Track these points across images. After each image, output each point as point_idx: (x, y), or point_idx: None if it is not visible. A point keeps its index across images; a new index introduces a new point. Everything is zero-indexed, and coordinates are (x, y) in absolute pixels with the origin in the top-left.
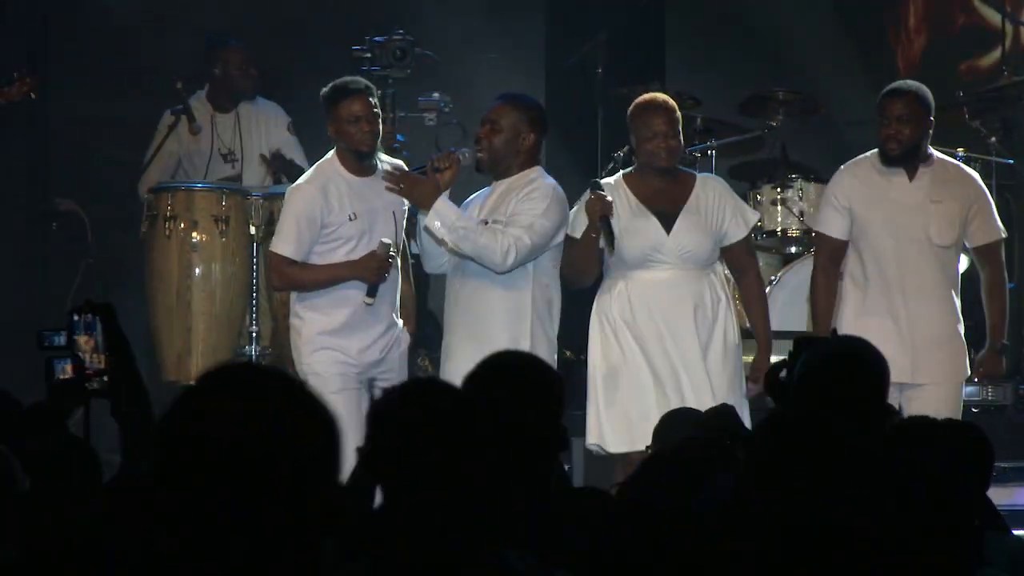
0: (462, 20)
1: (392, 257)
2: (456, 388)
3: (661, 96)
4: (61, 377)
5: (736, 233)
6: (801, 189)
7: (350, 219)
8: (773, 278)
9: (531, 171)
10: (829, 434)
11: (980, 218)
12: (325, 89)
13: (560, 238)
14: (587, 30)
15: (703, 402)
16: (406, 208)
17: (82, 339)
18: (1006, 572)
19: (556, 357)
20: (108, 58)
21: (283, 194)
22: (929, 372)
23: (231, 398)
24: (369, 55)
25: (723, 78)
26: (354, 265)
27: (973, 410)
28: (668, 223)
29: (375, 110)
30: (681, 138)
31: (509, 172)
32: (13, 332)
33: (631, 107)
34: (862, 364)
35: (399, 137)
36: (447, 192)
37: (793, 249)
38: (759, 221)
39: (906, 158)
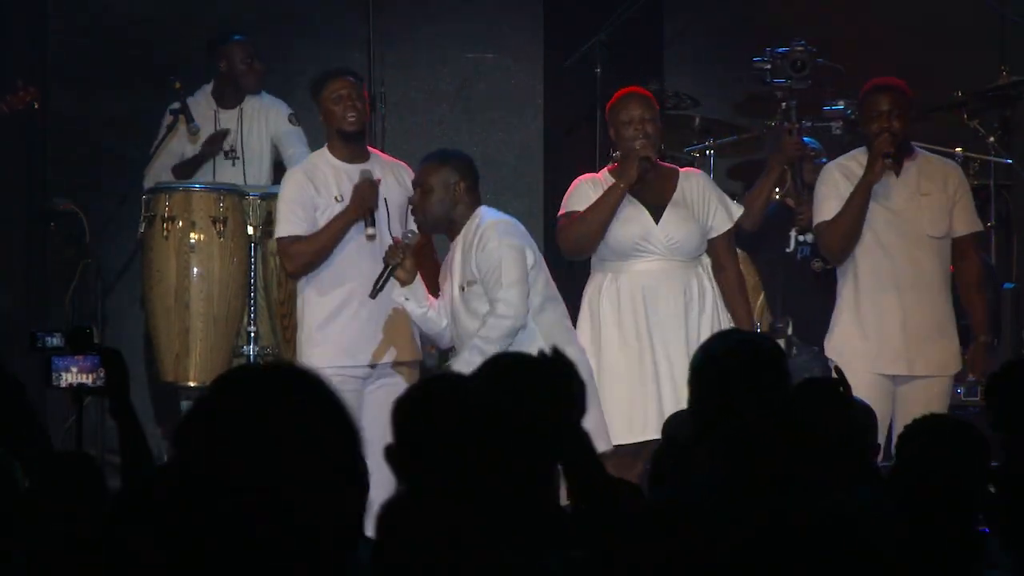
0: (460, 20)
1: (378, 181)
2: (477, 387)
3: (640, 89)
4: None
5: (721, 225)
6: None
7: (336, 200)
8: None
9: (474, 216)
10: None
11: (961, 209)
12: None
13: (531, 261)
14: (586, 30)
15: (683, 396)
16: (403, 197)
17: None
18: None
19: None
20: (107, 56)
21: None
22: (925, 364)
23: (243, 408)
24: (769, 66)
25: (721, 78)
26: (346, 210)
27: (972, 410)
28: (656, 214)
29: (359, 92)
30: (660, 127)
31: (456, 226)
32: (11, 332)
33: (610, 101)
34: (761, 354)
35: (808, 141)
36: (419, 290)
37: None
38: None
39: (895, 153)
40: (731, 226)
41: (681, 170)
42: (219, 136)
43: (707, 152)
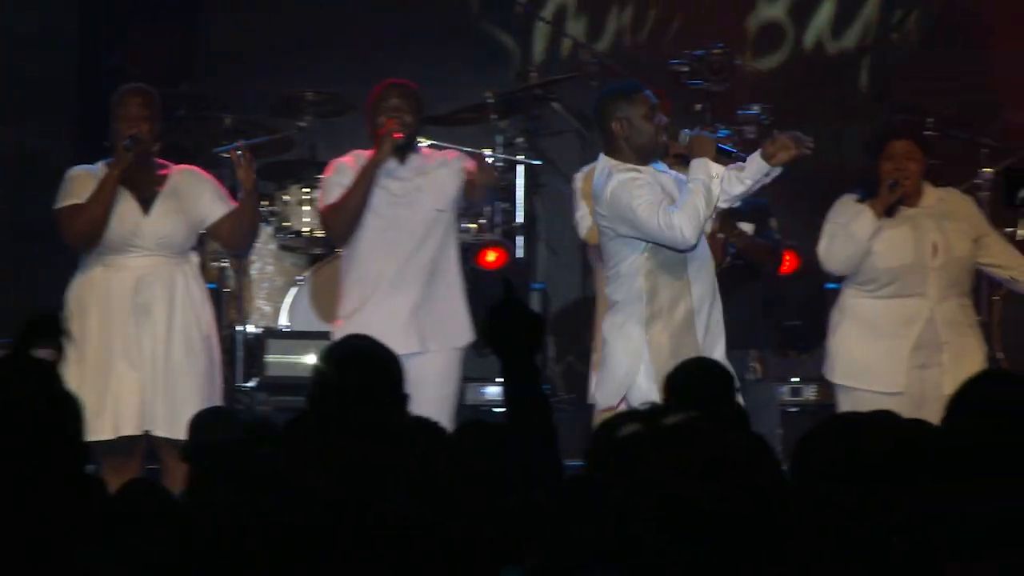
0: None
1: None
2: None
3: (139, 85)
4: None
5: (216, 211)
6: None
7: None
8: (299, 278)
9: None
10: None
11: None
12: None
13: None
14: (121, 31)
15: (149, 395)
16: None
17: None
18: None
19: None
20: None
21: None
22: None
23: None
24: (687, 69)
25: (254, 79)
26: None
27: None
28: (147, 206)
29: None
30: (154, 125)
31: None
32: None
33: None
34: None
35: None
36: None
37: (319, 250)
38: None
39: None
40: (225, 211)
41: (173, 166)
42: None
43: (237, 152)
